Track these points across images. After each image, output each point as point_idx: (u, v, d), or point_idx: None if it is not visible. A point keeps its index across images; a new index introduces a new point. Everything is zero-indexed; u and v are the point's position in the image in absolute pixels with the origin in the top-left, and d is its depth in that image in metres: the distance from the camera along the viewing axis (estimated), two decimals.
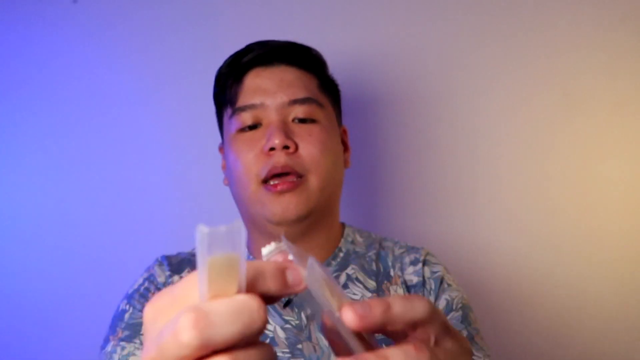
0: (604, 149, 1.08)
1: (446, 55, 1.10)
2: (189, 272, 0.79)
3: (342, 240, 0.85)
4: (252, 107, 0.76)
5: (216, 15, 1.13)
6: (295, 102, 0.76)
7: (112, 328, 0.76)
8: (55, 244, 1.14)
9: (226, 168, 0.82)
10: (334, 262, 0.82)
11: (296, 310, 0.77)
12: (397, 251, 0.85)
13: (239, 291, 0.33)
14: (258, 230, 0.80)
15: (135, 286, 0.79)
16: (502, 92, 1.10)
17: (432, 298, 0.80)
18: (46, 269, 1.14)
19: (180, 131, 1.14)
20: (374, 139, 1.11)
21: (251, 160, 0.75)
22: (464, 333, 0.78)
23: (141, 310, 0.75)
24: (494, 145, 1.11)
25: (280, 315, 0.77)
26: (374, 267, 0.83)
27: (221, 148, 0.86)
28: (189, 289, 0.34)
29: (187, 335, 0.32)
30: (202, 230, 0.30)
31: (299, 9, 1.12)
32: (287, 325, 0.76)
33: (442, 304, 0.80)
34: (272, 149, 0.74)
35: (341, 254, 0.83)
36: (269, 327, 0.75)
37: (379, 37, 1.11)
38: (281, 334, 0.75)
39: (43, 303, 1.14)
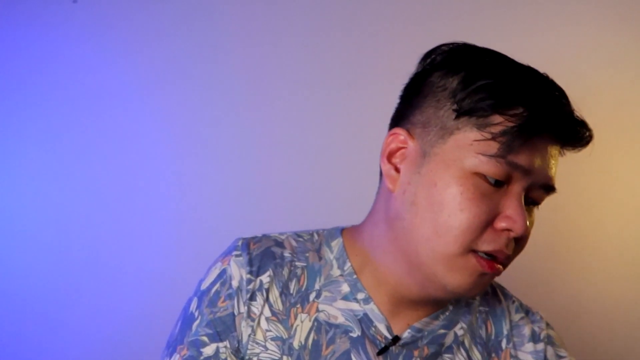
0: (604, 149, 1.08)
1: None
2: (270, 276, 0.68)
3: None
4: (520, 168, 0.61)
5: (216, 15, 1.13)
6: (546, 188, 0.65)
7: (181, 333, 0.68)
8: (55, 244, 1.14)
9: (419, 185, 0.63)
10: (442, 316, 0.70)
11: None
12: (514, 316, 0.73)
13: None
14: (409, 268, 0.65)
15: (207, 283, 0.69)
16: None
17: None
18: (46, 269, 1.14)
19: (180, 131, 1.14)
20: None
21: (477, 223, 0.60)
22: None
23: (207, 326, 0.66)
24: None
25: None
26: (483, 331, 0.71)
27: (397, 134, 0.66)
28: None
29: None
30: None
31: (303, 7, 1.12)
32: None
33: None
34: (507, 229, 0.61)
35: (451, 307, 0.70)
36: None
37: (384, 37, 1.11)
38: None
39: (43, 303, 1.14)
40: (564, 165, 1.09)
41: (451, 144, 0.62)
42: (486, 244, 0.61)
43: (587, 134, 0.67)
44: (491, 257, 0.62)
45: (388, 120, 0.71)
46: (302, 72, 1.12)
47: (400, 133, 0.66)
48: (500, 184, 0.61)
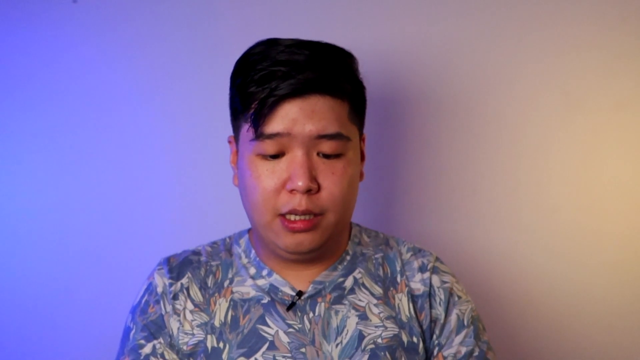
0: (604, 149, 1.08)
1: (446, 55, 1.10)
2: (189, 277, 0.80)
3: (349, 242, 0.84)
4: (277, 135, 0.72)
5: (217, 14, 1.13)
6: (323, 137, 0.72)
7: (121, 347, 0.79)
8: (55, 244, 1.14)
9: (239, 177, 0.79)
10: (340, 267, 0.82)
11: (299, 314, 0.77)
12: (406, 255, 0.85)
13: None
14: (266, 246, 0.80)
15: (138, 298, 0.81)
16: (502, 90, 1.10)
17: (441, 309, 0.81)
18: (46, 268, 1.14)
19: (181, 131, 1.14)
20: (377, 139, 1.11)
21: (271, 193, 0.73)
22: (476, 350, 0.79)
23: (142, 330, 0.78)
24: (493, 145, 1.11)
25: (284, 319, 0.77)
26: (380, 271, 0.82)
27: (230, 142, 0.83)
28: None
29: None
30: None
31: (303, 8, 1.12)
32: (290, 330, 0.76)
33: (453, 319, 0.80)
34: (294, 189, 0.72)
35: (348, 257, 0.83)
36: (270, 330, 0.76)
37: (384, 38, 1.11)
38: (284, 338, 0.76)
39: (43, 303, 1.14)
40: (564, 166, 1.09)
41: (241, 139, 0.77)
42: (283, 207, 0.73)
43: (318, 77, 0.72)
44: (305, 214, 0.72)
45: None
46: None
47: (230, 140, 0.83)
48: (278, 156, 0.73)
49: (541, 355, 1.10)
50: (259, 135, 0.72)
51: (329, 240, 0.77)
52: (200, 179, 1.14)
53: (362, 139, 0.83)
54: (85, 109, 1.14)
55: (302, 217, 0.73)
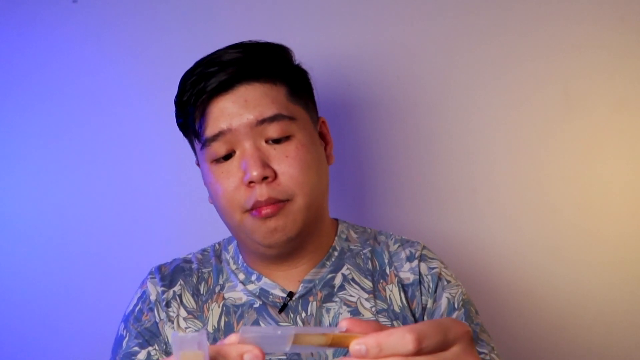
0: (604, 149, 1.08)
1: (447, 53, 1.10)
2: (181, 285, 0.80)
3: (336, 238, 0.84)
4: (220, 134, 0.73)
5: (216, 14, 1.13)
6: (263, 121, 0.72)
7: (113, 355, 0.78)
8: (55, 245, 1.14)
9: (208, 191, 0.79)
10: (328, 263, 0.81)
11: (291, 315, 0.77)
12: (393, 247, 0.84)
13: None
14: (249, 250, 0.80)
15: (131, 307, 0.81)
16: (502, 90, 1.10)
17: (430, 296, 0.80)
18: (46, 269, 1.14)
19: (180, 131, 1.14)
20: (372, 137, 1.11)
21: (232, 192, 0.73)
22: None
23: (136, 337, 0.77)
24: (493, 144, 1.11)
25: (276, 322, 0.77)
26: (369, 265, 0.82)
27: (198, 164, 0.83)
28: None
29: None
30: (175, 335, 0.43)
31: (294, 8, 1.12)
32: None
33: (443, 303, 0.80)
34: (251, 181, 0.72)
35: (335, 253, 0.82)
36: None
37: (377, 33, 1.11)
38: None
39: (43, 304, 1.14)
40: (563, 165, 1.09)
41: (198, 154, 0.78)
42: (247, 202, 0.73)
43: (243, 67, 0.74)
44: (271, 204, 0.72)
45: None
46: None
47: (197, 163, 0.82)
48: (230, 156, 0.74)
49: (541, 355, 1.10)
50: (204, 142, 0.74)
51: (306, 228, 0.76)
52: (201, 178, 1.14)
53: (320, 122, 0.83)
54: (85, 109, 1.14)
55: (269, 205, 0.72)
